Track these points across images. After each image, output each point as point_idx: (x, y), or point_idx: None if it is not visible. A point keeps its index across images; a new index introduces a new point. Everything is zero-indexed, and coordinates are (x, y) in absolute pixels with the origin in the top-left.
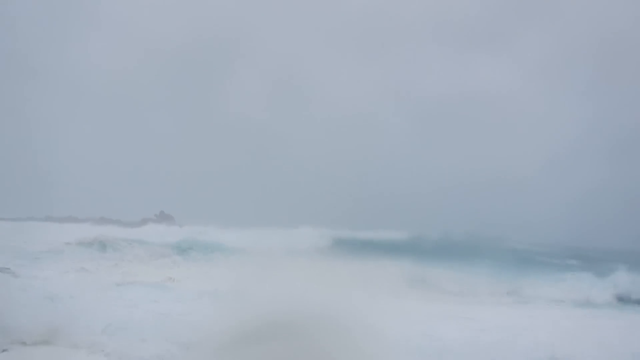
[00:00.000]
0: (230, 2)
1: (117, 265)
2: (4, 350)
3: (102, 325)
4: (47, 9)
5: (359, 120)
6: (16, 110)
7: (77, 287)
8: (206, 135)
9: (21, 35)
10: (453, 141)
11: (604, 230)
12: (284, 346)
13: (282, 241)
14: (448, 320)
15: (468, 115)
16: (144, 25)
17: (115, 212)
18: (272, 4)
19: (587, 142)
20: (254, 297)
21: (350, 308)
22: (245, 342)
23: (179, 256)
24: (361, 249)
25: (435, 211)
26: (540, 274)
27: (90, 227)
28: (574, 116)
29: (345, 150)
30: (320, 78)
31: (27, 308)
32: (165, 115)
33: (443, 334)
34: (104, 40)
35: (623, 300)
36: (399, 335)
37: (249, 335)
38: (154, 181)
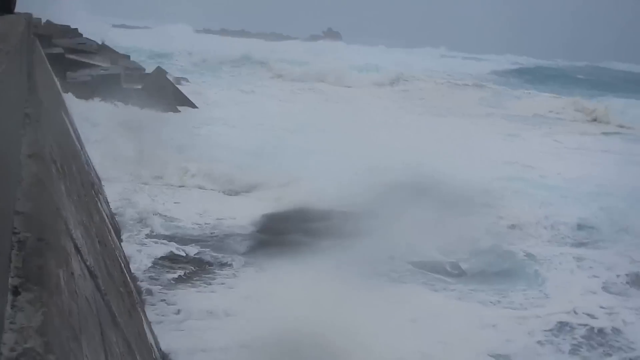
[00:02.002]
0: None
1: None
2: None
3: None
4: None
5: None
6: None
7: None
8: None
9: None
10: None
11: None
12: None
13: (464, 64)
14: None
15: None
16: None
17: (285, 28)
18: None
19: None
20: None
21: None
22: None
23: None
24: (543, 77)
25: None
26: None
27: (263, 42)
28: None
29: None
30: None
31: None
32: None
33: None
34: None
35: None
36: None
37: None
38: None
